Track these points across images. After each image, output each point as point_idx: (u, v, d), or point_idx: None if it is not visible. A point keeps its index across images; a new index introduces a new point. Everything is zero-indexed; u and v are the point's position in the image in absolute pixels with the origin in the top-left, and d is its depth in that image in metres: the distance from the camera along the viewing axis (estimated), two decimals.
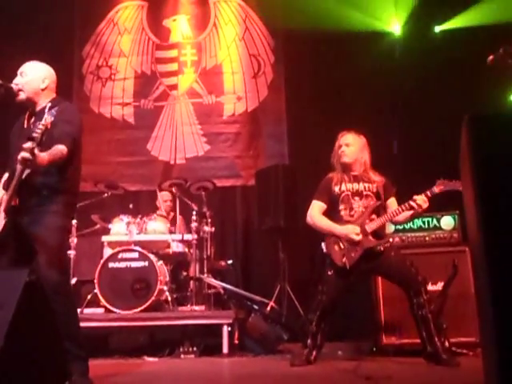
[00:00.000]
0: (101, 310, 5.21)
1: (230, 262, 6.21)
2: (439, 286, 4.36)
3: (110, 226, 5.70)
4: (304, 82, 6.80)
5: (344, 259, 3.92)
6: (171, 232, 5.76)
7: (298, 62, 6.88)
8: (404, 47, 6.75)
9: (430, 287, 4.24)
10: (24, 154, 2.84)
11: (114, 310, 5.05)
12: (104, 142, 7.09)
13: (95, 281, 5.14)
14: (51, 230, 3.15)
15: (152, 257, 5.26)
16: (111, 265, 5.22)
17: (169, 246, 5.70)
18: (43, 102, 3.31)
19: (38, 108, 3.30)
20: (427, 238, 4.73)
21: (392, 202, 4.08)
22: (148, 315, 5.07)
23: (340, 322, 4.39)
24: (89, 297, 5.25)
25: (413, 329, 3.92)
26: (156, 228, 5.67)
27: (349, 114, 6.13)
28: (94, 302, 5.26)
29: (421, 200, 3.84)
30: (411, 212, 3.91)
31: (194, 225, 5.59)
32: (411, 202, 3.87)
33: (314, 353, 3.95)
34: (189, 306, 5.35)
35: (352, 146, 4.13)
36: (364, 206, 4.03)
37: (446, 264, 4.28)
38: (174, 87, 7.36)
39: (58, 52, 6.96)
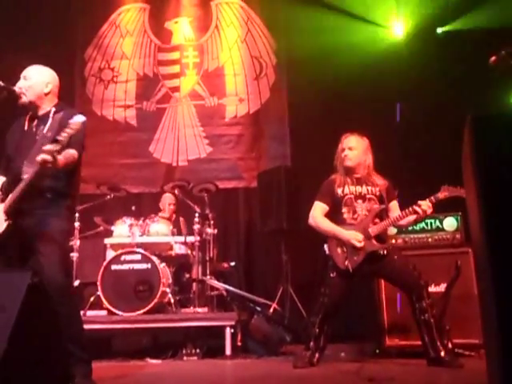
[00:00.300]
0: (104, 312, 5.21)
1: (232, 263, 6.21)
2: (442, 287, 4.35)
3: (112, 228, 5.71)
4: (306, 84, 6.79)
5: (347, 262, 3.91)
6: (174, 234, 5.76)
7: (300, 63, 6.88)
8: (406, 49, 6.74)
9: (433, 289, 4.24)
10: (45, 156, 2.89)
11: (117, 312, 5.06)
12: (106, 144, 7.10)
13: (98, 283, 5.15)
14: (56, 232, 3.18)
15: (155, 259, 5.27)
16: (114, 267, 5.23)
17: (171, 248, 5.71)
18: (47, 106, 3.33)
19: (42, 112, 3.31)
20: (430, 240, 4.72)
21: (394, 206, 4.08)
22: (151, 317, 5.08)
23: (343, 323, 4.38)
24: (92, 299, 5.25)
25: (415, 331, 3.91)
26: (159, 230, 5.68)
27: (351, 115, 6.12)
28: (97, 304, 5.26)
29: (425, 205, 3.83)
30: (414, 217, 3.91)
31: (196, 227, 5.59)
32: (415, 207, 3.86)
33: (317, 355, 3.95)
34: (191, 307, 5.35)
35: (355, 150, 4.11)
36: (367, 209, 4.02)
37: (449, 265, 4.28)
38: (176, 89, 7.37)
39: (60, 55, 6.97)
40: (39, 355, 2.54)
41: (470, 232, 2.14)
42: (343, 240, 3.95)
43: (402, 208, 4.00)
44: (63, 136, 2.93)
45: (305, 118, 6.74)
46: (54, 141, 2.92)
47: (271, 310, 5.36)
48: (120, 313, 5.05)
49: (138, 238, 5.52)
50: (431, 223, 4.73)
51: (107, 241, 5.69)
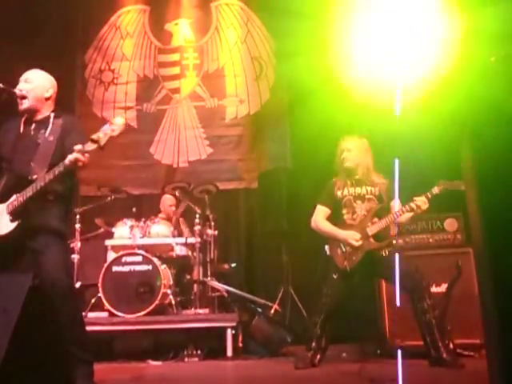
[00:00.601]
0: (105, 314, 5.22)
1: (233, 264, 6.21)
2: (443, 287, 4.35)
3: (113, 229, 5.71)
4: (306, 85, 6.79)
5: (345, 262, 3.94)
6: (174, 235, 5.76)
7: (300, 63, 6.87)
8: None
9: (434, 289, 4.24)
10: (78, 156, 3.00)
11: (118, 313, 5.06)
12: (107, 146, 7.08)
13: (99, 285, 5.15)
14: (58, 234, 3.21)
15: (155, 260, 5.27)
16: (115, 268, 5.23)
17: (172, 249, 5.70)
18: (46, 111, 3.36)
19: (40, 116, 3.34)
20: (431, 240, 4.73)
21: (395, 204, 4.08)
22: (152, 319, 5.08)
23: (344, 324, 4.38)
24: (93, 301, 5.26)
25: (417, 331, 3.91)
26: (159, 231, 5.69)
27: (353, 116, 6.12)
28: (98, 306, 5.27)
29: (420, 201, 3.87)
30: (412, 214, 3.93)
31: (197, 228, 5.60)
32: (411, 204, 3.89)
33: (318, 356, 3.95)
34: (193, 309, 5.35)
35: (353, 151, 4.14)
36: (366, 209, 4.05)
37: (450, 266, 4.28)
38: (176, 91, 7.37)
39: (60, 57, 6.99)
40: (40, 357, 2.54)
41: (471, 232, 2.14)
42: (341, 240, 3.97)
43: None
44: (100, 136, 3.04)
45: (305, 118, 6.73)
46: (91, 140, 3.03)
47: (272, 311, 5.37)
48: (121, 314, 5.05)
49: (138, 239, 5.52)
50: (432, 223, 4.73)
51: (108, 242, 5.69)
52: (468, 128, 1.78)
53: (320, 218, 4.15)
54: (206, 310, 5.35)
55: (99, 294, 5.15)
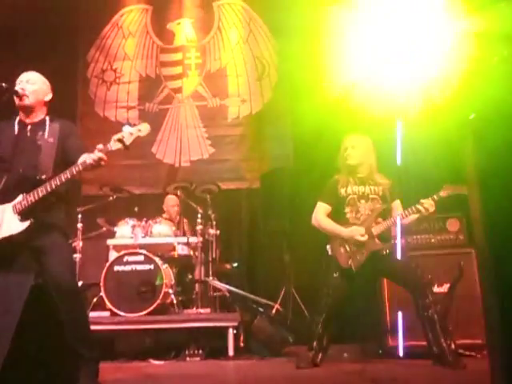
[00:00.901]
0: (106, 314, 5.22)
1: (235, 264, 6.22)
2: (445, 287, 4.35)
3: (115, 229, 5.71)
4: (308, 84, 6.79)
5: (350, 261, 3.92)
6: (176, 235, 5.77)
7: (302, 63, 6.87)
8: None
9: (436, 289, 4.24)
10: (102, 155, 3.09)
11: (120, 313, 5.06)
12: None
13: (101, 284, 5.15)
14: (62, 234, 3.27)
15: (157, 260, 5.27)
16: (117, 268, 5.23)
17: (174, 248, 5.71)
18: (41, 114, 3.41)
19: (36, 119, 3.37)
20: (433, 240, 4.72)
21: (397, 205, 4.08)
22: (153, 318, 5.08)
23: (346, 324, 4.38)
24: (94, 300, 5.26)
25: (419, 331, 3.90)
26: (161, 231, 5.69)
27: (355, 115, 6.11)
28: (100, 305, 5.27)
29: (428, 204, 3.85)
30: (417, 215, 3.92)
31: (199, 227, 5.60)
32: (418, 206, 3.87)
33: (320, 355, 3.94)
34: (194, 308, 5.36)
35: (358, 148, 4.12)
36: (370, 208, 4.03)
37: (452, 266, 4.28)
38: (178, 90, 7.38)
39: (62, 56, 7.00)
40: (43, 356, 2.54)
41: (473, 233, 2.14)
42: (346, 238, 3.95)
43: (404, 207, 4.01)
44: (125, 136, 3.14)
45: (307, 118, 6.73)
46: (120, 140, 3.15)
47: (274, 311, 5.37)
48: (123, 314, 5.05)
49: (140, 239, 5.53)
50: (434, 224, 4.73)
51: (110, 242, 5.69)
52: (471, 130, 1.78)
53: (321, 215, 4.11)
54: (208, 310, 5.35)
55: (101, 294, 5.15)
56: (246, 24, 7.46)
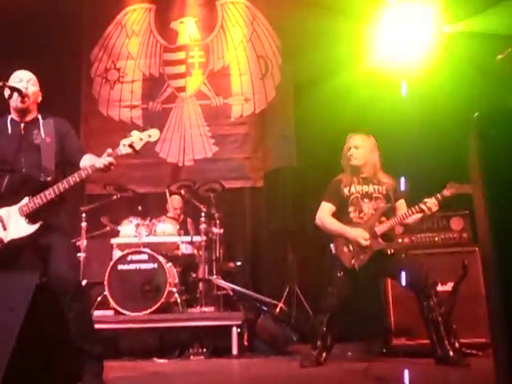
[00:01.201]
0: (110, 312, 5.23)
1: (238, 263, 6.22)
2: (449, 286, 4.34)
3: (119, 228, 5.72)
4: (312, 83, 6.78)
5: (353, 261, 3.92)
6: (180, 234, 5.77)
7: (305, 62, 6.86)
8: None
9: (440, 288, 4.22)
10: (112, 160, 3.13)
11: (124, 311, 5.07)
12: (112, 144, 7.04)
13: (105, 283, 5.16)
14: (66, 234, 3.32)
15: (161, 259, 5.28)
16: (120, 267, 5.24)
17: (178, 247, 5.71)
18: (34, 112, 3.41)
19: (29, 118, 3.36)
20: (437, 239, 4.71)
21: (401, 204, 4.07)
22: (157, 317, 5.09)
23: (350, 322, 4.38)
24: (98, 299, 5.28)
25: (422, 330, 3.90)
26: (165, 230, 5.69)
27: (358, 115, 6.11)
28: (104, 304, 5.28)
29: (431, 203, 3.83)
30: (421, 215, 3.91)
31: (202, 226, 5.60)
32: (421, 205, 3.86)
33: (324, 354, 3.94)
34: (198, 307, 5.36)
35: (361, 148, 4.11)
36: (374, 208, 4.02)
37: (456, 265, 4.26)
38: (181, 89, 7.38)
39: (66, 55, 7.02)
40: (47, 354, 2.55)
41: (477, 231, 2.14)
42: (349, 238, 3.95)
43: (409, 207, 4.00)
44: (134, 141, 3.16)
45: (311, 117, 6.73)
46: (131, 146, 3.16)
47: (278, 310, 5.37)
48: (127, 312, 5.07)
49: (144, 237, 5.53)
50: (438, 222, 4.72)
51: (114, 241, 5.71)
52: (474, 127, 1.77)
53: (325, 214, 4.11)
54: (212, 309, 5.35)
55: (105, 292, 5.17)
56: (249, 23, 7.46)
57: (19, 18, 6.83)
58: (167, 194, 6.16)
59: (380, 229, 3.94)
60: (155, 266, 5.23)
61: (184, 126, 7.26)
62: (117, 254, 5.59)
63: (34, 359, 2.42)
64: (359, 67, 6.29)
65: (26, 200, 3.13)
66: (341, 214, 4.08)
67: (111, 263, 5.27)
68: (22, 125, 3.32)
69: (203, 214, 5.65)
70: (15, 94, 3.25)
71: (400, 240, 4.66)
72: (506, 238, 1.64)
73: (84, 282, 5.36)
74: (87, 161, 3.25)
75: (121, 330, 5.18)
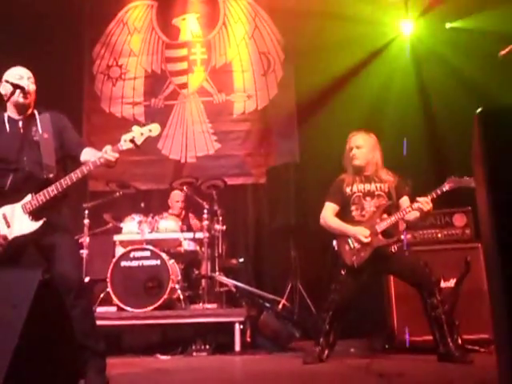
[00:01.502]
0: (113, 309, 5.24)
1: (241, 260, 6.22)
2: (451, 282, 4.33)
3: (121, 225, 5.73)
4: (314, 80, 6.77)
5: (353, 258, 3.92)
6: (183, 230, 5.77)
7: (307, 58, 6.86)
8: (415, 44, 6.71)
9: (443, 284, 4.22)
10: (117, 155, 3.10)
11: (127, 308, 5.08)
12: (115, 141, 7.02)
13: (108, 279, 5.17)
14: (69, 232, 3.30)
15: (164, 255, 5.28)
16: (123, 263, 5.25)
17: (180, 244, 5.72)
18: (31, 109, 3.38)
19: (28, 113, 3.34)
20: (439, 235, 4.71)
21: (405, 201, 4.06)
22: (160, 313, 5.10)
23: (353, 319, 4.38)
24: (101, 295, 5.29)
25: (425, 326, 3.90)
26: (167, 226, 5.70)
27: (360, 112, 6.10)
28: (107, 301, 5.30)
29: (423, 201, 3.82)
30: (418, 213, 3.91)
31: (205, 223, 5.60)
32: (414, 204, 3.86)
33: (327, 351, 3.94)
34: (201, 304, 5.36)
35: (363, 148, 4.10)
36: (376, 205, 4.02)
37: (459, 261, 4.26)
38: (184, 86, 7.38)
39: (68, 52, 7.02)
40: (50, 351, 2.55)
41: (480, 227, 2.13)
42: (350, 236, 3.96)
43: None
44: (135, 136, 3.14)
45: (313, 114, 6.72)
46: (130, 141, 3.14)
47: (280, 306, 5.37)
48: (130, 309, 5.08)
49: (147, 234, 5.54)
50: (441, 218, 4.71)
51: (116, 238, 5.72)
52: (477, 123, 1.77)
53: (329, 214, 4.12)
54: (214, 305, 5.35)
55: (108, 289, 5.18)
56: (251, 19, 7.44)
57: (21, 15, 6.84)
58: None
59: (381, 226, 3.94)
60: (158, 262, 5.24)
61: (186, 122, 7.26)
62: (119, 250, 5.60)
63: (37, 356, 2.43)
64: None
65: (29, 197, 3.13)
66: (343, 213, 4.10)
67: (114, 260, 5.28)
68: (20, 122, 3.31)
69: (206, 211, 5.65)
70: (17, 91, 3.24)
71: (402, 237, 4.65)
72: (508, 234, 1.63)
73: (87, 279, 5.38)
74: (88, 155, 3.25)
75: (124, 327, 5.20)
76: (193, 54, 7.46)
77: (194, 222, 6.13)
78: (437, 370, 3.58)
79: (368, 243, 3.90)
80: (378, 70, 6.39)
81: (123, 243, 5.65)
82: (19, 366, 2.29)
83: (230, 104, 7.26)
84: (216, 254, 5.68)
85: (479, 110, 1.75)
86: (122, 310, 5.11)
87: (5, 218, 3.13)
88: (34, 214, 3.12)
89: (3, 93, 3.29)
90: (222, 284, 5.60)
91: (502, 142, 1.69)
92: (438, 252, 4.52)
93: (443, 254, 4.49)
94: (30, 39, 6.74)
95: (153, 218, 5.69)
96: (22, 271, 2.75)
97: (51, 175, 3.17)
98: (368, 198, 4.05)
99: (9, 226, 3.11)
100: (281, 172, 6.26)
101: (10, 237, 3.10)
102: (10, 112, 3.33)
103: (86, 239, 5.60)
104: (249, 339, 5.03)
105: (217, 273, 5.57)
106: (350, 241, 3.96)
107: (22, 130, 3.28)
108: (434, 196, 3.87)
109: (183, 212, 6.25)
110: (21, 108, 3.31)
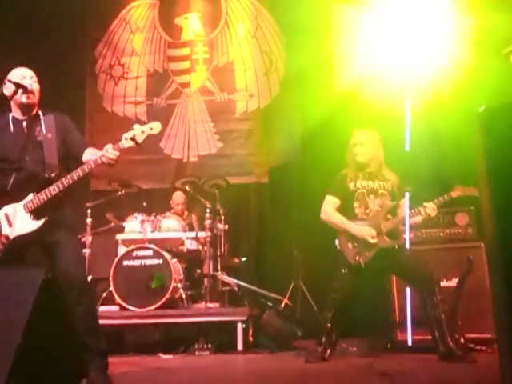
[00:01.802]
0: (116, 308, 5.25)
1: (243, 259, 6.23)
2: (454, 281, 4.33)
3: (124, 224, 5.74)
4: (316, 78, 6.76)
5: (357, 257, 3.90)
6: (185, 230, 5.78)
7: (310, 58, 6.84)
8: None
9: (445, 283, 4.23)
10: (118, 153, 3.13)
11: (129, 307, 5.09)
12: (117, 140, 7.03)
13: (110, 278, 5.18)
14: (70, 229, 3.31)
15: (166, 254, 5.29)
16: (126, 263, 5.26)
17: (183, 243, 5.72)
18: (35, 109, 3.39)
19: (33, 114, 3.35)
20: (442, 234, 4.70)
21: (403, 203, 4.05)
22: (163, 312, 5.10)
23: (354, 318, 4.38)
24: (104, 294, 5.30)
25: (427, 325, 3.89)
26: (170, 226, 5.70)
27: (362, 110, 6.08)
28: (109, 300, 5.30)
29: (430, 208, 3.83)
30: (421, 218, 3.90)
31: (207, 222, 5.60)
32: (420, 209, 3.85)
33: (329, 350, 3.94)
34: (203, 303, 5.37)
35: (367, 145, 4.09)
36: (379, 204, 4.00)
37: (461, 260, 4.25)
38: (186, 85, 7.38)
39: (70, 52, 7.02)
40: (53, 350, 2.56)
41: (483, 226, 2.13)
42: (356, 235, 3.93)
43: (411, 206, 3.98)
44: (136, 134, 3.16)
45: (315, 113, 6.71)
46: (130, 139, 3.16)
47: (282, 305, 5.37)
48: (132, 308, 5.08)
49: (149, 233, 5.54)
50: (443, 217, 4.70)
51: (119, 237, 5.72)
52: (480, 123, 1.76)
53: (330, 209, 4.08)
54: (217, 304, 5.36)
55: (110, 288, 5.18)
56: (253, 18, 7.43)
57: (23, 15, 6.85)
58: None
59: (386, 226, 3.92)
60: (160, 261, 5.24)
61: (188, 121, 7.26)
62: (122, 249, 5.61)
63: (40, 355, 2.43)
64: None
65: (30, 196, 3.14)
66: (345, 209, 4.06)
67: (116, 259, 5.29)
68: (24, 123, 3.32)
69: (208, 210, 5.65)
70: (20, 91, 3.25)
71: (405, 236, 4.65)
72: (511, 233, 1.63)
73: (89, 278, 5.38)
74: (90, 155, 3.26)
75: (126, 326, 5.21)
76: (195, 53, 7.45)
77: (196, 224, 6.14)
78: (439, 369, 3.58)
79: (373, 243, 3.89)
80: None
81: (125, 242, 5.66)
82: (22, 364, 2.29)
83: (232, 103, 7.25)
84: (218, 253, 5.68)
85: (482, 107, 1.74)
86: (125, 309, 5.11)
87: (7, 217, 3.14)
88: (36, 213, 3.13)
89: (7, 93, 3.29)
90: (224, 283, 5.61)
91: (505, 139, 1.69)
92: (440, 251, 4.52)
93: (446, 253, 4.49)
94: (33, 39, 6.75)
95: (155, 217, 5.69)
96: (25, 270, 2.76)
97: (53, 174, 3.18)
98: (372, 196, 4.02)
99: (11, 225, 3.12)
100: (283, 171, 6.27)
101: (12, 236, 3.11)
102: (15, 112, 3.34)
103: (88, 238, 5.60)
104: (251, 338, 5.03)
105: (219, 272, 5.57)
106: (352, 239, 3.95)
107: (25, 130, 3.29)
108: (441, 201, 3.87)
109: (185, 212, 6.25)
110: (25, 108, 3.32)
